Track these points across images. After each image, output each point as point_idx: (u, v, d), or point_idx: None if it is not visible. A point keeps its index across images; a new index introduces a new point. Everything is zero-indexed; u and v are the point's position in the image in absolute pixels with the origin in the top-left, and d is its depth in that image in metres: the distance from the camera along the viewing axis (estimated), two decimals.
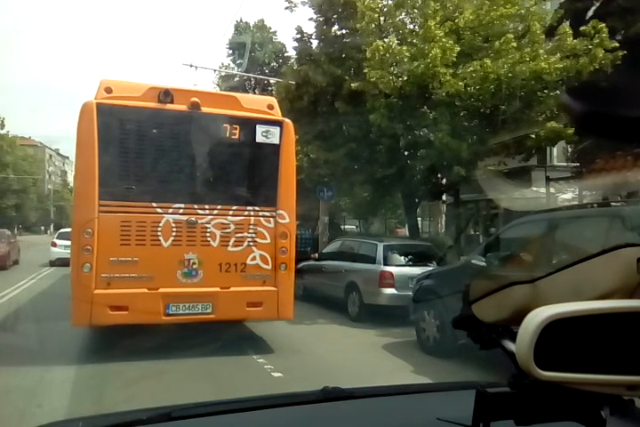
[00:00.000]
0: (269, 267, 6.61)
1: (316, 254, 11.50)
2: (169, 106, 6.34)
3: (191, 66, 15.70)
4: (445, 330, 6.50)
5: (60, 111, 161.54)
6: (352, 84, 10.09)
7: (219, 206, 6.51)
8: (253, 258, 6.59)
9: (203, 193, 6.57)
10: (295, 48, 12.50)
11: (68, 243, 7.09)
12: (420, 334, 7.11)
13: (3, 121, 45.16)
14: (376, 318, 8.60)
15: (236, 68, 23.89)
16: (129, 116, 6.23)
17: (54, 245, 18.82)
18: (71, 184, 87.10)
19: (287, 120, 6.85)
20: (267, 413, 1.44)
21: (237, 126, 6.58)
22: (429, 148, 9.52)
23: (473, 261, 6.11)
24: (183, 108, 6.36)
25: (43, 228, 59.50)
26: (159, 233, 6.26)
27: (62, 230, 20.27)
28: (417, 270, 8.62)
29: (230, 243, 6.51)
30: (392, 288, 8.63)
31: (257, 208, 6.65)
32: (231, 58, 24.28)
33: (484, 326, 0.90)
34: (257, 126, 6.59)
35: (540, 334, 0.72)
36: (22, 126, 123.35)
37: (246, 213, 6.61)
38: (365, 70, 9.87)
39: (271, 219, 6.65)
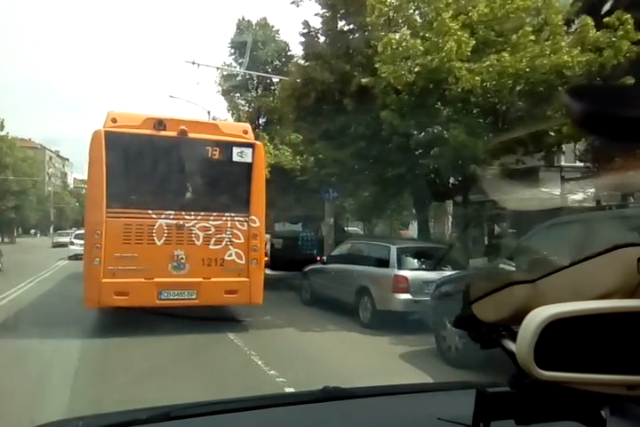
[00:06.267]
0: (243, 262, 8.01)
1: (324, 257, 11.07)
2: (162, 132, 7.72)
3: (193, 63, 15.43)
4: (469, 339, 6.06)
5: (61, 112, 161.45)
6: (362, 80, 9.66)
7: (202, 213, 7.91)
8: (230, 255, 7.96)
9: (189, 202, 8.09)
10: (302, 43, 12.09)
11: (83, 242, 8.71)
12: (441, 343, 6.67)
13: (2, 122, 44.73)
14: (389, 325, 8.16)
15: (238, 66, 23.47)
16: (130, 141, 7.65)
17: (72, 244, 23.51)
18: (71, 186, 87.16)
19: (258, 142, 8.54)
20: (267, 412, 1.43)
21: (217, 148, 8.01)
22: (444, 146, 9.09)
23: (501, 266, 5.69)
24: (174, 134, 7.73)
25: (34, 231, 58.86)
26: (154, 234, 7.66)
27: (78, 232, 24.21)
28: (432, 275, 8.21)
29: (211, 242, 7.91)
30: (407, 293, 8.20)
31: (233, 214, 8.04)
32: (233, 57, 23.86)
33: (484, 325, 0.90)
34: (233, 148, 8.00)
35: (541, 333, 0.71)
36: (22, 127, 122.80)
37: (224, 218, 8.01)
38: (376, 65, 9.45)
39: (245, 223, 8.05)
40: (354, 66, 10.80)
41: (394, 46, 9.13)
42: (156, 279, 7.52)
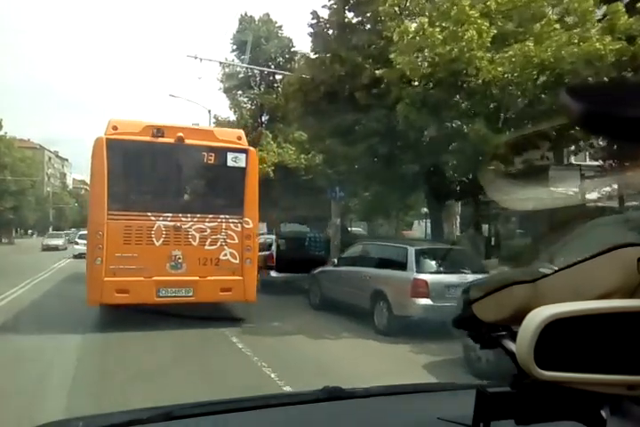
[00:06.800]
0: (237, 261, 8.37)
1: (334, 260, 10.53)
2: (160, 139, 8.12)
3: (195, 57, 14.95)
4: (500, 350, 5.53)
5: (60, 113, 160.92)
6: (377, 72, 9.12)
7: (198, 215, 8.28)
8: (225, 254, 8.34)
9: (186, 205, 8.38)
10: (310, 34, 11.51)
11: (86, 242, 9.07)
12: (469, 353, 6.13)
13: (0, 122, 44.20)
14: (408, 332, 7.64)
15: (240, 63, 22.95)
16: (130, 148, 8.00)
17: (77, 243, 24.63)
18: (70, 186, 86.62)
19: (251, 148, 8.85)
20: (267, 412, 1.43)
21: (213, 154, 8.38)
22: (463, 141, 8.55)
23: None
24: (171, 140, 8.12)
25: (31, 231, 57.92)
26: (153, 235, 8.03)
27: (81, 232, 24.99)
28: (453, 278, 7.73)
29: (207, 243, 8.29)
30: (426, 298, 7.67)
31: (227, 216, 8.43)
32: (235, 53, 23.31)
33: (484, 325, 0.91)
34: (228, 154, 8.40)
35: (541, 333, 0.71)
36: (22, 128, 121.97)
37: (219, 220, 8.40)
38: (391, 56, 8.91)
39: (239, 224, 8.43)
40: (365, 58, 10.24)
41: (410, 35, 8.60)
42: (154, 278, 7.91)
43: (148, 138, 8.05)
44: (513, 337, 0.81)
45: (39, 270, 17.87)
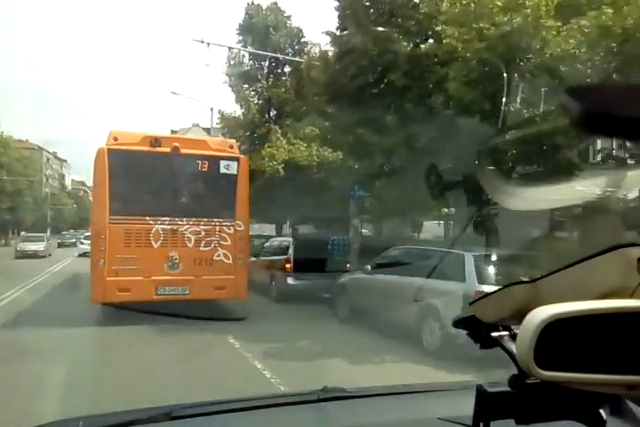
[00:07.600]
0: (230, 261, 8.97)
1: (368, 266, 9.18)
2: (158, 149, 8.72)
3: (202, 42, 13.85)
4: None
5: (60, 113, 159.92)
6: (421, 46, 7.79)
7: (193, 219, 8.88)
8: (218, 255, 8.93)
9: (182, 209, 8.94)
10: (337, 8, 10.19)
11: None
12: None
13: None
14: (465, 356, 6.27)
15: (246, 55, 21.69)
16: (130, 157, 8.57)
17: (82, 243, 26.55)
18: (69, 187, 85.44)
19: (243, 156, 9.68)
20: (267, 412, 1.42)
21: (206, 162, 8.97)
22: (528, 127, 7.22)
23: None
24: (168, 150, 8.77)
25: (24, 233, 56.02)
26: (151, 238, 8.60)
27: (86, 234, 25.63)
28: None
29: (202, 244, 8.87)
30: None
31: (221, 220, 9.04)
32: (241, 44, 21.96)
33: (484, 325, 0.92)
34: (220, 162, 9.04)
35: (541, 333, 0.70)
36: (20, 128, 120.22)
37: (213, 223, 9.01)
38: (438, 27, 7.58)
39: (231, 227, 9.04)
40: (402, 34, 8.90)
41: (464, 2, 7.26)
42: (153, 277, 8.48)
43: (146, 148, 8.61)
44: (513, 337, 0.85)
45: (34, 274, 16.91)
